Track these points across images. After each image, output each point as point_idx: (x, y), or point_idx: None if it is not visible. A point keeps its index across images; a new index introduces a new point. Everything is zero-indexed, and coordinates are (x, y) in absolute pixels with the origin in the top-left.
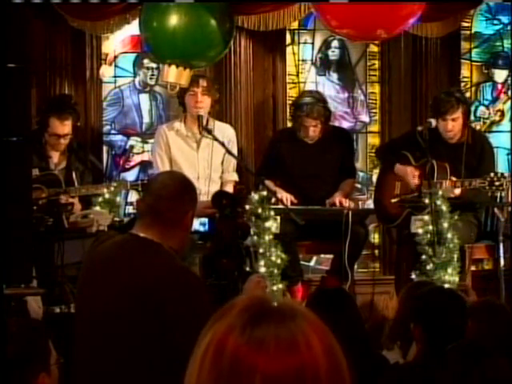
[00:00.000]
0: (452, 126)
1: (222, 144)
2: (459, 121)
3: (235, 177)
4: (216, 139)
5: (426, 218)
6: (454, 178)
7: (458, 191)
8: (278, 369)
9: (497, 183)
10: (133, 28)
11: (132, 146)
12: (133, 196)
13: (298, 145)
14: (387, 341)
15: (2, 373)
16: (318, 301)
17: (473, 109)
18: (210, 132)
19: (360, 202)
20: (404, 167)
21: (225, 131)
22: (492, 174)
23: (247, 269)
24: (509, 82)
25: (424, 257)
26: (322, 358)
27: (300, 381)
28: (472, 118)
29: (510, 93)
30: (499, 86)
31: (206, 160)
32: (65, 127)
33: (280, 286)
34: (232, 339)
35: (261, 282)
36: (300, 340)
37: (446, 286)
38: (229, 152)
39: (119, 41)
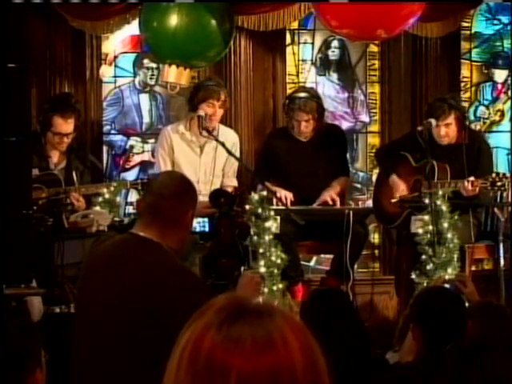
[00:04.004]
0: (445, 131)
1: (223, 144)
2: (452, 127)
3: (234, 182)
4: (216, 140)
5: (426, 217)
6: (472, 178)
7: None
8: (254, 367)
9: (499, 183)
10: (133, 28)
11: (132, 146)
12: (133, 196)
13: (292, 143)
14: (395, 343)
15: (1, 372)
16: (316, 301)
17: (473, 109)
18: (209, 132)
19: (360, 202)
20: (398, 183)
21: (228, 135)
22: (494, 175)
23: (247, 269)
24: (509, 81)
25: (424, 257)
26: (298, 355)
27: (276, 379)
28: (472, 118)
29: (510, 93)
30: (499, 86)
31: (208, 165)
32: (68, 126)
33: (280, 286)
34: (208, 338)
35: (254, 278)
36: (276, 338)
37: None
38: (229, 153)
39: (119, 41)
